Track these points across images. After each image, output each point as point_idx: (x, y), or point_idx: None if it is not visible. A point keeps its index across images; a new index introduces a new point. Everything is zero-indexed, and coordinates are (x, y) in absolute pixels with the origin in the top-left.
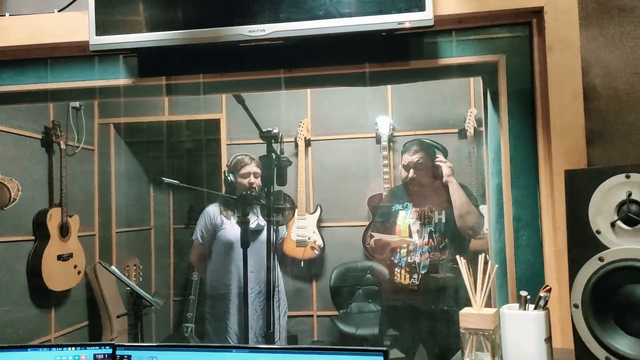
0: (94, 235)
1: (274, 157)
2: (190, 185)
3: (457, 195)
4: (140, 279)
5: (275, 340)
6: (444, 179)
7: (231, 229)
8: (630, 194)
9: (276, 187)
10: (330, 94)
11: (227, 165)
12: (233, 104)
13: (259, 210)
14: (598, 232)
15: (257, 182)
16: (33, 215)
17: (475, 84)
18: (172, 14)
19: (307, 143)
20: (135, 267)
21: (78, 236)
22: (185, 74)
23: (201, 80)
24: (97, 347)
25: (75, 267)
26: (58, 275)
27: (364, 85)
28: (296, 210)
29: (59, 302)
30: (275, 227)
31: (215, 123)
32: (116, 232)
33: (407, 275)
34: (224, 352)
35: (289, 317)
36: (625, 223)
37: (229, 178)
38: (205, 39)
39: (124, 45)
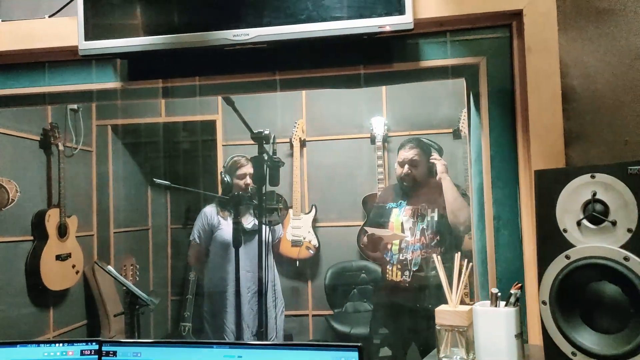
0: (93, 235)
1: (265, 157)
2: (180, 186)
3: (450, 192)
4: (137, 278)
5: (271, 338)
6: (437, 176)
7: (228, 230)
8: (595, 194)
9: (269, 188)
10: (325, 95)
11: (223, 167)
12: (226, 106)
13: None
14: (565, 230)
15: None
16: (32, 216)
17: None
18: (158, 19)
19: (302, 144)
20: (132, 267)
21: (76, 236)
22: (175, 77)
23: (197, 82)
24: (84, 344)
25: (73, 266)
26: (56, 275)
27: (348, 87)
28: (291, 210)
29: (58, 302)
30: (269, 227)
31: (212, 124)
32: (114, 233)
33: (399, 273)
34: (204, 348)
35: (285, 316)
36: (590, 222)
37: (225, 179)
38: (190, 43)
39: (112, 50)
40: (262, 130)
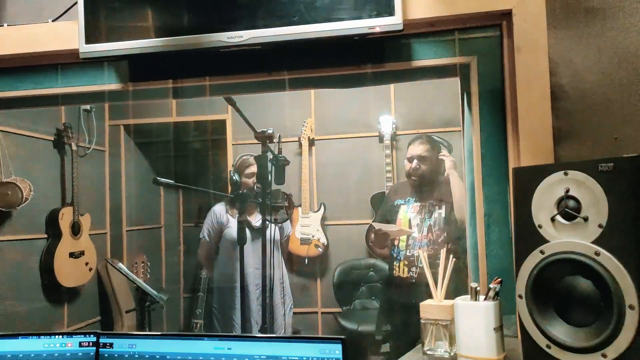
0: (106, 233)
1: (269, 156)
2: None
3: (457, 187)
4: (148, 276)
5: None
6: (445, 172)
7: (236, 227)
8: (568, 190)
9: (275, 186)
10: (334, 94)
11: (232, 166)
12: (239, 105)
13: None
14: (540, 226)
15: None
16: (46, 214)
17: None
18: (156, 22)
19: (311, 142)
20: (143, 264)
21: (90, 234)
22: (177, 78)
23: (207, 82)
24: (83, 336)
25: (86, 264)
26: (70, 272)
27: (343, 87)
28: (298, 208)
29: (72, 298)
30: (276, 224)
31: (222, 124)
32: (127, 231)
33: (406, 269)
34: (196, 340)
35: (294, 313)
36: (563, 218)
37: (234, 178)
38: (187, 46)
39: (112, 52)
40: (265, 129)
